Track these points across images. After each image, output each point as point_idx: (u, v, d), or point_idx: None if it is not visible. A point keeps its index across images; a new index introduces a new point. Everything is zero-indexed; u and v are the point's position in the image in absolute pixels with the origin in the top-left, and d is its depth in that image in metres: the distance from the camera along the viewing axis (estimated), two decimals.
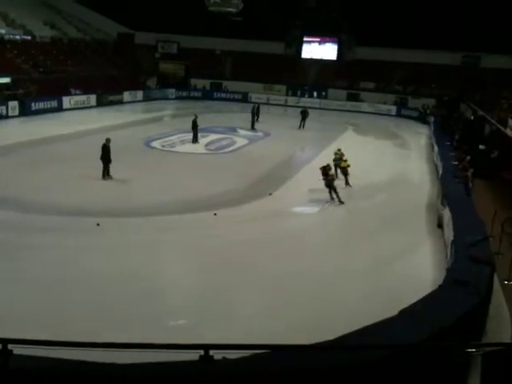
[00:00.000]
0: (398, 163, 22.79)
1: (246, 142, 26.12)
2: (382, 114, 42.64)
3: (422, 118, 39.58)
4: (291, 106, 42.99)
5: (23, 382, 4.56)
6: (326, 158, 23.37)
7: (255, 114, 30.44)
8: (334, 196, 15.62)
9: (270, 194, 16.46)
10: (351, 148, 26.44)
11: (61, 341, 4.47)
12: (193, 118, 24.74)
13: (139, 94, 42.23)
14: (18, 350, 4.45)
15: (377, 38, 43.23)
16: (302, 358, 5.02)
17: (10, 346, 4.40)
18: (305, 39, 49.97)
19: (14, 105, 29.66)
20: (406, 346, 5.62)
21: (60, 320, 8.17)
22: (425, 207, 16.04)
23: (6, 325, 7.38)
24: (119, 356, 4.47)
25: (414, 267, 11.30)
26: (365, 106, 44.17)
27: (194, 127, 24.38)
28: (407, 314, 6.80)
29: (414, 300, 7.34)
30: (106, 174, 17.16)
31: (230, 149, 24.27)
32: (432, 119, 34.98)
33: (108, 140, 17.32)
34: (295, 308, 9.10)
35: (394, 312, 6.81)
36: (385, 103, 44.19)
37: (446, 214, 12.77)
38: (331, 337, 5.83)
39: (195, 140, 24.48)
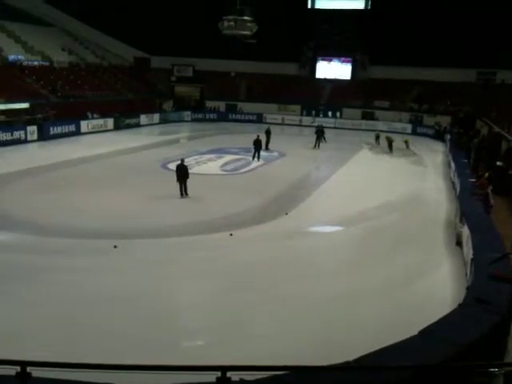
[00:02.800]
0: (414, 181, 22.65)
1: (261, 162, 26.18)
2: (397, 132, 42.50)
3: (437, 136, 39.40)
4: (306, 126, 43.12)
5: None
6: (342, 176, 23.51)
7: (269, 134, 30.54)
8: None
9: (286, 214, 16.43)
10: (367, 167, 26.52)
11: (77, 363, 4.48)
12: (255, 137, 26.31)
13: (155, 117, 42.73)
14: (36, 372, 4.46)
15: (390, 56, 43.45)
16: (321, 379, 4.95)
17: (28, 369, 4.41)
18: (318, 59, 50.34)
19: (32, 129, 30.15)
20: (427, 366, 5.51)
21: (77, 342, 8.17)
22: (443, 225, 15.86)
23: (23, 347, 7.42)
24: (135, 378, 4.46)
25: (433, 286, 11.14)
26: (380, 125, 44.10)
27: (257, 146, 26.04)
28: (427, 333, 6.69)
29: (434, 320, 7.22)
30: (183, 192, 17.96)
31: (246, 169, 24.35)
32: (448, 137, 34.80)
33: (183, 160, 18.50)
34: (312, 329, 9.00)
35: (414, 332, 6.71)
36: (400, 121, 44.13)
37: (465, 232, 12.61)
38: (350, 358, 5.75)
39: (257, 158, 26.04)
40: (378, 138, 34.39)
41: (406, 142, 33.19)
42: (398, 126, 43.64)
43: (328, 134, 34.69)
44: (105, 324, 8.91)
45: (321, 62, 50.42)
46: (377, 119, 45.20)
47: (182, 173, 18.00)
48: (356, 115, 45.88)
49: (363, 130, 43.24)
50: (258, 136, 26.70)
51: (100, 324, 8.90)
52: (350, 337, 8.59)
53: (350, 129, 43.76)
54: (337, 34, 48.55)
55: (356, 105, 46.25)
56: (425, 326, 6.92)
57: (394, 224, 16.03)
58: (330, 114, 47.00)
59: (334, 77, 49.69)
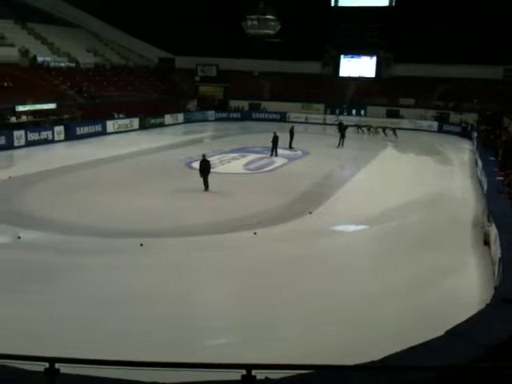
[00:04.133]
0: (440, 180, 22.35)
1: (284, 161, 26.16)
2: (422, 130, 42.06)
3: (464, 134, 38.82)
4: (330, 125, 42.90)
5: None
6: (367, 175, 23.33)
7: (292, 133, 30.45)
8: None
9: (310, 213, 16.38)
10: (391, 165, 26.27)
11: (104, 360, 4.53)
12: (273, 135, 26.96)
13: (180, 117, 43.02)
14: (64, 369, 4.53)
15: (415, 54, 42.92)
16: (346, 378, 4.92)
17: (56, 365, 4.47)
18: (342, 58, 50.05)
19: (59, 129, 30.66)
20: (454, 366, 5.44)
21: (102, 339, 8.28)
22: (470, 224, 15.62)
23: (51, 344, 7.55)
24: (160, 375, 4.50)
25: (460, 286, 10.98)
26: (405, 123, 43.64)
27: (274, 143, 26.89)
28: (454, 334, 6.60)
29: (461, 320, 7.13)
30: (206, 187, 18.68)
31: (269, 168, 24.35)
32: (475, 134, 34.26)
33: (204, 155, 19.22)
34: (336, 328, 8.96)
35: (441, 332, 6.63)
36: (425, 119, 43.61)
37: (493, 231, 12.41)
38: (375, 357, 5.71)
39: (275, 154, 26.78)
40: (369, 127, 37.26)
41: (394, 130, 36.63)
42: (424, 123, 43.16)
43: (352, 132, 34.48)
44: (130, 322, 9.01)
45: (344, 60, 50.10)
46: (402, 117, 44.72)
47: (205, 167, 18.78)
48: (381, 113, 45.46)
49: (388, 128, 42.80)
50: (275, 133, 27.15)
51: (125, 322, 9.00)
52: (376, 336, 8.52)
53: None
54: (360, 31, 48.22)
55: (380, 103, 45.82)
56: (452, 326, 6.84)
57: (420, 223, 15.85)
58: (354, 112, 46.67)
59: (358, 75, 49.32)
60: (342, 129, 32.03)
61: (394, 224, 15.74)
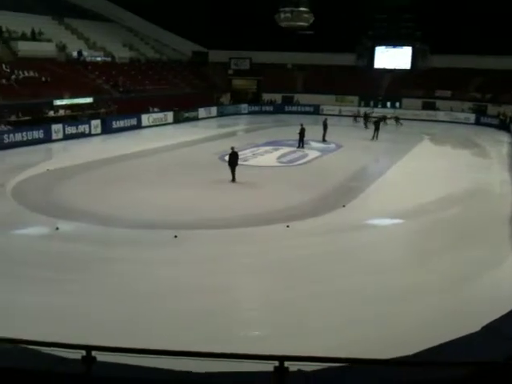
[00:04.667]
0: (477, 173, 21.86)
1: (318, 154, 26.04)
2: (459, 123, 41.20)
3: (503, 126, 37.84)
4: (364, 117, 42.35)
5: None
6: (402, 168, 23.01)
7: (326, 126, 30.28)
8: None
9: (344, 206, 16.27)
10: (427, 158, 25.83)
11: (139, 348, 4.62)
12: (300, 127, 27.54)
13: (213, 110, 43.24)
14: (100, 357, 4.64)
15: (452, 45, 41.97)
16: (380, 372, 4.89)
17: (93, 353, 4.58)
18: (377, 49, 49.36)
19: (96, 123, 31.23)
20: (490, 363, 5.34)
21: (137, 329, 8.44)
22: (508, 219, 15.25)
23: (88, 333, 7.73)
24: (193, 364, 4.56)
25: (498, 282, 10.75)
26: (441, 115, 42.86)
27: (301, 135, 27.31)
28: (491, 329, 6.47)
29: (499, 315, 6.98)
30: (233, 178, 19.12)
31: (302, 161, 24.27)
32: None
33: (233, 148, 19.56)
34: (370, 322, 8.89)
35: (477, 328, 6.51)
36: (462, 111, 42.69)
37: None
38: (408, 352, 5.65)
39: (301, 146, 27.26)
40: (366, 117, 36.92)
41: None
42: (461, 115, 42.29)
43: (387, 125, 34.03)
44: (164, 313, 9.14)
45: (379, 51, 49.41)
46: (438, 109, 43.94)
47: (233, 159, 19.20)
48: (416, 105, 44.77)
49: (424, 120, 42.13)
50: (302, 125, 27.62)
51: (159, 313, 9.15)
52: (410, 331, 8.43)
53: (410, 119, 42.73)
54: (396, 22, 47.41)
55: (416, 95, 45.07)
56: (488, 321, 6.71)
57: (456, 217, 15.56)
58: (388, 104, 46.07)
59: (393, 67, 48.61)
60: (377, 122, 31.69)
61: (429, 218, 15.49)
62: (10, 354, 5.19)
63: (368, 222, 15.47)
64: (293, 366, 4.45)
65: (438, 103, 44.32)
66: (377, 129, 31.32)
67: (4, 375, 4.64)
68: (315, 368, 4.76)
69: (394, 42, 48.06)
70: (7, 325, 8.17)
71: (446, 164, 23.93)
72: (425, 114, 43.76)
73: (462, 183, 19.53)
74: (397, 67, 48.50)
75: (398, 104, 45.82)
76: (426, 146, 30.68)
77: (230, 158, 19.49)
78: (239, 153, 25.09)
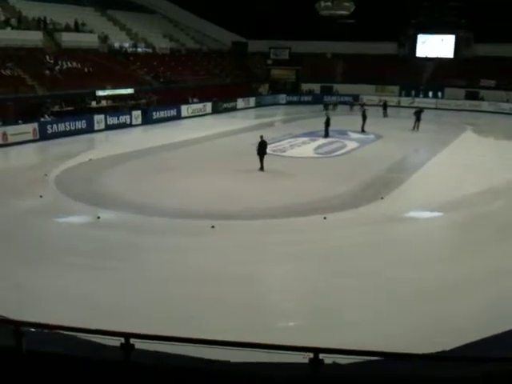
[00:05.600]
0: None
1: (356, 144, 25.76)
2: (504, 114, 39.98)
3: None
4: (405, 107, 41.68)
5: (143, 376, 4.83)
6: (443, 159, 22.53)
7: (365, 116, 29.93)
8: None
9: (382, 198, 16.08)
10: (470, 150, 25.20)
11: (177, 337, 4.71)
12: (325, 116, 27.99)
13: (251, 101, 43.26)
14: (139, 344, 4.75)
15: (497, 33, 40.61)
16: (416, 367, 4.85)
17: (131, 341, 4.69)
18: (419, 37, 48.30)
19: (137, 114, 31.72)
20: None
21: (175, 317, 8.58)
22: None
23: (126, 320, 7.92)
24: (230, 354, 4.62)
25: None
26: (485, 105, 41.69)
27: (327, 124, 27.43)
28: None
29: None
30: (261, 167, 19.36)
31: (341, 152, 24.06)
32: None
33: (262, 136, 19.78)
34: (406, 316, 8.81)
35: None
36: (507, 101, 41.38)
37: None
38: (446, 347, 5.59)
39: (327, 135, 27.35)
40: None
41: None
42: (506, 106, 41.03)
43: (428, 115, 33.38)
44: (202, 302, 9.28)
45: (421, 40, 48.32)
46: (482, 99, 42.74)
47: (262, 148, 19.41)
48: (459, 95, 43.67)
49: (467, 110, 41.09)
50: (327, 114, 28.44)
51: (197, 302, 9.28)
52: (448, 326, 8.31)
53: (452, 109, 41.78)
54: (439, 10, 46.21)
55: (459, 84, 43.92)
56: None
57: (500, 210, 15.20)
58: (430, 94, 45.11)
59: (436, 55, 47.50)
60: (418, 113, 31.08)
61: (471, 211, 15.16)
62: (49, 340, 5.37)
63: (407, 215, 15.25)
64: (328, 359, 4.46)
65: (482, 93, 43.09)
66: (418, 119, 30.73)
67: (44, 361, 4.80)
68: (350, 361, 4.76)
69: (437, 30, 46.88)
70: (45, 310, 8.46)
71: (489, 156, 23.30)
72: (468, 104, 42.64)
73: (506, 175, 19.00)
74: (439, 56, 47.37)
75: (440, 94, 44.78)
76: (468, 136, 29.93)
77: (258, 147, 19.56)
78: (276, 144, 25.30)
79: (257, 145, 19.66)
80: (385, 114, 37.37)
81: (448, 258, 11.57)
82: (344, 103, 42.59)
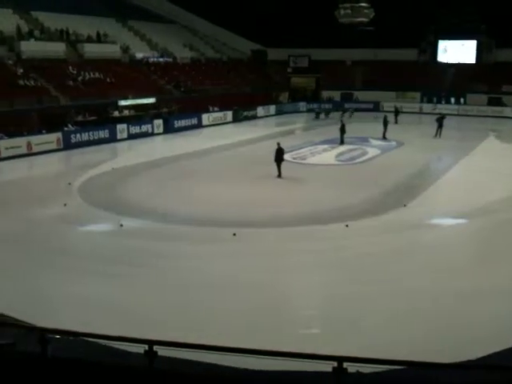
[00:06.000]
0: None
1: (378, 152, 25.61)
2: None
3: None
4: (426, 114, 41.36)
5: (165, 382, 4.84)
6: (466, 166, 22.26)
7: (386, 123, 29.75)
8: None
9: (405, 206, 15.93)
10: (493, 156, 24.85)
11: (199, 344, 4.72)
12: (340, 123, 28.10)
13: (272, 109, 43.38)
14: (162, 351, 4.77)
15: None
16: (441, 376, 4.78)
17: (155, 348, 4.72)
18: (440, 43, 47.95)
19: (158, 123, 32.03)
20: None
21: (197, 324, 8.60)
22: None
23: (149, 327, 7.96)
24: (252, 361, 4.61)
25: None
26: (508, 111, 41.10)
27: (342, 131, 27.36)
28: None
29: None
30: (279, 173, 19.48)
31: (362, 159, 23.94)
32: None
33: (278, 143, 20.04)
34: (432, 324, 8.68)
35: None
36: None
37: None
38: (472, 357, 5.50)
39: (342, 142, 27.31)
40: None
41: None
42: None
43: (451, 121, 33.07)
44: (223, 310, 9.28)
45: (442, 45, 47.96)
46: (505, 105, 42.16)
47: (279, 155, 19.55)
48: (481, 101, 43.13)
49: (490, 116, 40.58)
50: (342, 121, 28.55)
51: (219, 310, 9.28)
52: (474, 335, 8.16)
53: (474, 116, 41.29)
54: (460, 16, 45.78)
55: (481, 90, 43.40)
56: None
57: None
58: (452, 100, 44.65)
59: (457, 61, 47.05)
60: (440, 119, 30.78)
61: (496, 218, 14.91)
62: (73, 347, 5.43)
63: (430, 222, 15.08)
64: (351, 367, 4.42)
65: (505, 99, 42.50)
66: (440, 126, 30.43)
67: (68, 367, 4.85)
68: (374, 370, 4.72)
69: (458, 35, 46.46)
70: (69, 317, 8.56)
71: None
72: (490, 110, 42.10)
73: None
74: (460, 61, 46.93)
75: (462, 100, 44.31)
76: (491, 143, 29.53)
77: (276, 154, 19.61)
78: (297, 151, 25.30)
79: (274, 152, 19.71)
80: (396, 121, 36.53)
81: (472, 266, 11.41)
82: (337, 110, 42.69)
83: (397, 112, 36.80)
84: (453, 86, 45.68)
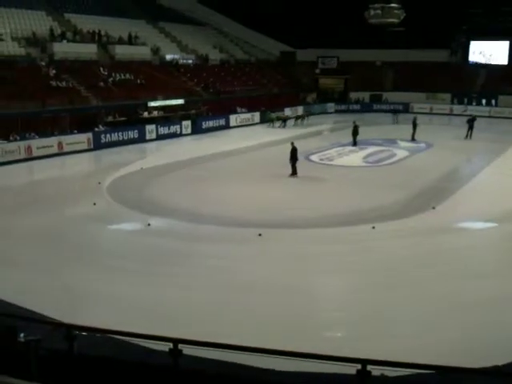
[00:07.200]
0: None
1: (406, 153, 25.32)
2: None
3: None
4: (457, 115, 40.69)
5: (190, 382, 4.89)
6: (497, 169, 21.83)
7: (415, 125, 29.37)
8: None
9: (433, 208, 15.72)
10: None
11: (225, 343, 4.75)
12: (353, 124, 27.59)
13: (299, 110, 43.20)
14: (186, 350, 4.81)
15: None
16: (466, 381, 4.72)
17: (179, 346, 4.76)
18: (471, 44, 47.14)
19: (187, 124, 32.30)
20: None
21: (222, 324, 8.64)
22: None
23: (174, 326, 8.02)
24: (276, 362, 4.62)
25: None
26: None
27: (355, 133, 27.10)
28: None
29: None
30: (294, 172, 19.63)
31: (390, 161, 23.71)
32: None
33: (292, 143, 20.22)
34: (457, 330, 8.51)
35: None
36: None
37: None
38: (499, 362, 5.40)
39: (355, 144, 27.08)
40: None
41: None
42: None
43: (482, 123, 32.48)
44: (248, 310, 9.31)
45: (474, 46, 47.16)
46: None
47: (294, 154, 19.71)
48: None
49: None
50: (355, 122, 27.82)
51: (243, 310, 9.33)
52: (500, 342, 7.99)
53: (506, 118, 40.45)
54: (492, 16, 44.94)
55: None
56: None
57: None
58: (483, 102, 43.84)
59: (489, 62, 46.19)
60: (471, 121, 30.26)
61: None
62: (99, 344, 5.52)
63: (459, 225, 14.84)
64: (376, 371, 4.40)
65: None
66: (470, 127, 29.93)
67: (94, 364, 4.93)
68: (399, 373, 4.68)
69: (490, 36, 45.61)
70: (96, 314, 8.69)
71: None
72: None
73: None
74: (493, 62, 46.04)
75: (493, 101, 43.46)
76: None
77: (290, 154, 19.74)
78: (324, 152, 25.22)
79: (289, 152, 19.84)
80: (395, 121, 37.47)
81: (501, 271, 11.17)
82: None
83: (395, 112, 38.90)
84: (484, 87, 44.86)
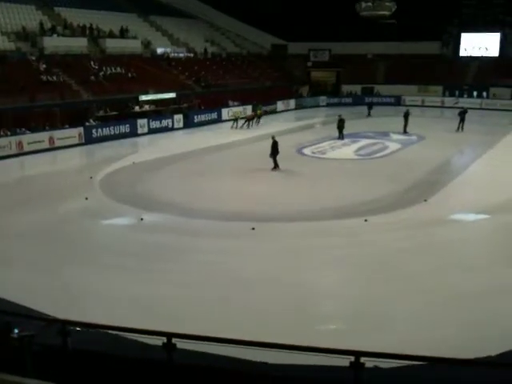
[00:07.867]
0: None
1: (398, 146, 25.39)
2: None
3: None
4: (448, 108, 40.83)
5: (184, 375, 4.90)
6: (488, 161, 21.95)
7: (407, 117, 29.40)
8: None
9: (425, 201, 15.79)
10: None
11: (218, 337, 4.76)
12: (338, 118, 27.38)
13: (291, 103, 43.23)
14: (180, 344, 4.82)
15: None
16: (461, 372, 4.75)
17: (173, 340, 4.76)
18: (463, 36, 47.23)
19: (179, 118, 32.20)
20: None
21: (216, 318, 8.65)
22: None
23: (168, 320, 8.02)
24: (270, 356, 4.63)
25: None
26: None
27: (340, 127, 26.99)
28: None
29: None
30: (276, 165, 19.59)
31: (382, 154, 23.76)
32: None
33: (273, 137, 20.19)
34: (451, 323, 8.58)
35: None
36: None
37: None
38: (492, 353, 5.45)
39: (341, 137, 26.99)
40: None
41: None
42: None
43: (473, 115, 32.60)
44: (242, 304, 9.34)
45: (465, 38, 47.21)
46: None
47: (275, 148, 19.66)
48: (505, 95, 42.42)
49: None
50: (340, 115, 27.44)
51: (238, 304, 9.34)
52: (493, 334, 8.05)
53: (497, 110, 40.63)
54: (483, 8, 45.04)
55: (505, 84, 42.64)
56: None
57: None
58: (475, 94, 43.99)
59: (481, 54, 46.31)
60: (462, 113, 30.37)
61: None
62: (93, 339, 5.51)
63: (451, 218, 14.91)
64: (369, 362, 4.42)
65: None
66: (462, 120, 30.05)
67: (88, 359, 4.93)
68: (392, 365, 4.70)
69: (482, 28, 45.71)
70: (89, 310, 8.68)
71: None
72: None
73: None
74: (484, 55, 46.19)
75: (484, 94, 43.62)
76: None
77: (271, 148, 19.69)
78: (316, 145, 25.25)
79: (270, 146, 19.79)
80: (369, 114, 37.92)
81: (494, 262, 11.26)
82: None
83: (370, 105, 39.22)
84: (476, 79, 45.01)
